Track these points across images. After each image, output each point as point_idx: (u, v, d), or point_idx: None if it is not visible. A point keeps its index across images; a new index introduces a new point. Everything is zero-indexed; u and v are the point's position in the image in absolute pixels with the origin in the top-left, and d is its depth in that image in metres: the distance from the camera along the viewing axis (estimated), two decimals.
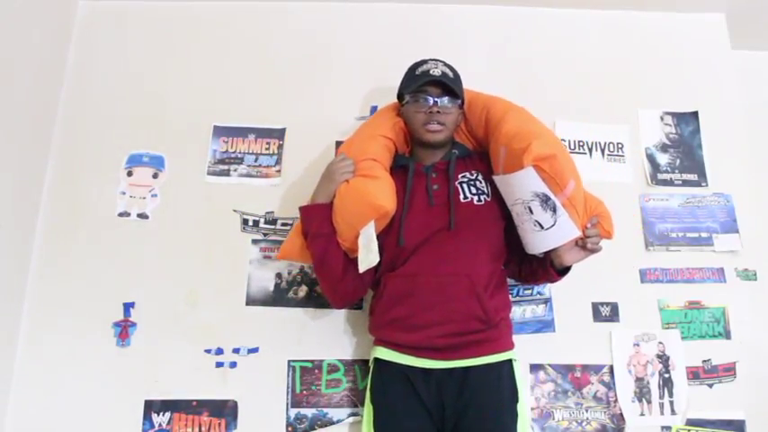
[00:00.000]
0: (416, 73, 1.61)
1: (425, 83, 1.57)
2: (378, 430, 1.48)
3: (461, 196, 1.56)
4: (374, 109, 1.95)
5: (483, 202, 1.56)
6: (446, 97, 1.58)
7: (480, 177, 1.60)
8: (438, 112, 1.56)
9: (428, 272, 1.48)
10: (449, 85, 1.56)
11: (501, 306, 1.55)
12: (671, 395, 1.77)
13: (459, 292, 1.46)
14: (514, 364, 1.52)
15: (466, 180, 1.59)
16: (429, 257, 1.49)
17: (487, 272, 1.52)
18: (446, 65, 1.63)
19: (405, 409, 1.46)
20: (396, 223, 1.53)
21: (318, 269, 1.57)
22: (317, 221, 1.52)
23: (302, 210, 1.57)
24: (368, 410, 1.52)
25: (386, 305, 1.53)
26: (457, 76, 1.63)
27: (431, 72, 1.57)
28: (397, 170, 1.62)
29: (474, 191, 1.57)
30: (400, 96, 1.67)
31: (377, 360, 1.55)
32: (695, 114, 2.06)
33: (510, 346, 1.54)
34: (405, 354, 1.49)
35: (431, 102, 1.57)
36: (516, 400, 1.48)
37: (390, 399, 1.49)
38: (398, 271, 1.52)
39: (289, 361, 1.77)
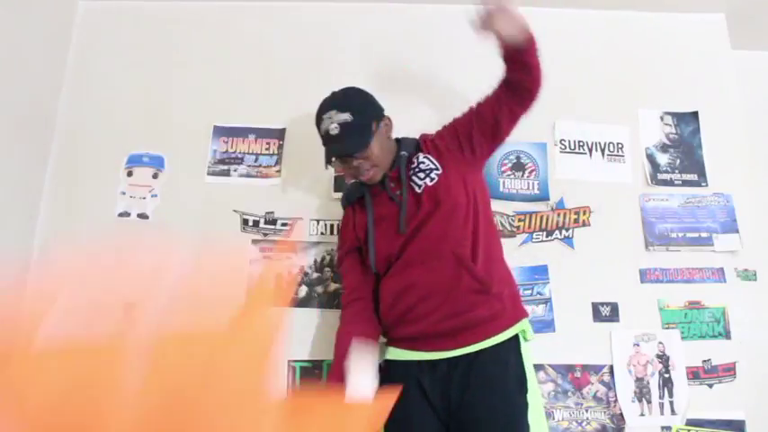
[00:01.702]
0: (321, 133, 1.55)
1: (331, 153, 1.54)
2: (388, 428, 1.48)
3: (416, 188, 1.55)
4: None
5: (436, 179, 1.55)
6: (356, 153, 1.53)
7: (422, 158, 1.59)
8: (360, 163, 1.53)
9: (417, 263, 1.49)
10: (349, 152, 1.52)
11: (499, 278, 1.52)
12: (671, 395, 1.77)
13: (449, 271, 1.46)
14: (523, 345, 1.48)
15: (413, 172, 1.58)
16: (415, 250, 1.50)
17: (471, 239, 1.50)
18: (341, 106, 1.52)
19: (411, 408, 1.45)
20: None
21: None
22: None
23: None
24: None
25: (387, 306, 1.54)
26: (357, 110, 1.52)
27: (330, 132, 1.50)
28: (360, 200, 1.63)
29: (422, 175, 1.56)
30: None
31: (386, 361, 1.55)
32: (695, 114, 2.06)
33: (518, 315, 1.51)
34: (412, 350, 1.49)
35: (347, 164, 1.55)
36: (525, 390, 1.44)
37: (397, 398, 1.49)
38: (390, 272, 1.54)
39: (289, 361, 1.77)
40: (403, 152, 1.60)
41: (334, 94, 1.59)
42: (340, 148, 1.52)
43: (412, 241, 1.51)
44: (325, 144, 1.56)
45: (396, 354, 1.53)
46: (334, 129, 1.51)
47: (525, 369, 1.47)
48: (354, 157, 1.53)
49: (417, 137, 1.67)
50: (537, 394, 1.49)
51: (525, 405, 1.43)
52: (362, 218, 1.62)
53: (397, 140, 1.67)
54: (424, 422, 1.45)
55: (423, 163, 1.58)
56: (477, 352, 1.44)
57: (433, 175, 1.56)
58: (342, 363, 1.46)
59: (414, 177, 1.57)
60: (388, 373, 1.53)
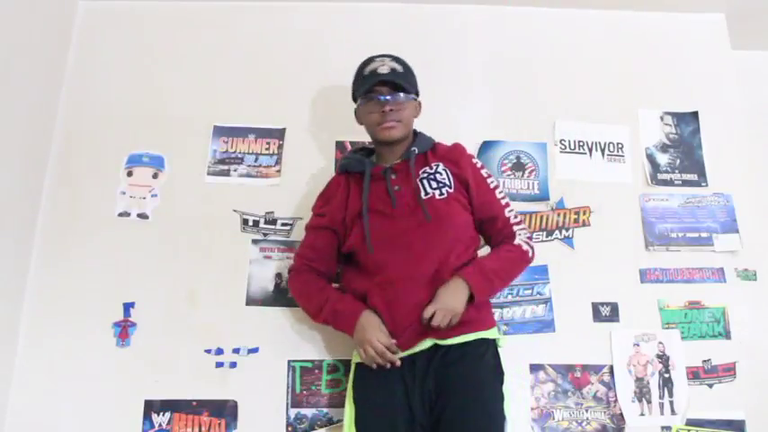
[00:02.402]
0: (365, 73, 1.59)
1: (375, 83, 1.55)
2: (360, 429, 1.47)
3: (422, 193, 1.55)
4: None
5: (445, 195, 1.55)
6: (398, 94, 1.55)
7: (440, 169, 1.58)
8: (391, 110, 1.54)
9: (403, 276, 1.48)
10: (399, 83, 1.55)
11: None
12: (671, 395, 1.77)
13: (431, 291, 1.46)
14: (499, 350, 1.52)
15: (426, 175, 1.58)
16: (401, 260, 1.49)
17: (459, 263, 1.50)
18: (395, 59, 1.60)
19: (387, 405, 1.46)
20: (361, 230, 1.54)
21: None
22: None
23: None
24: (349, 410, 1.52)
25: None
26: (408, 69, 1.61)
27: (378, 71, 1.55)
28: (356, 174, 1.62)
29: (434, 185, 1.56)
30: (354, 98, 1.66)
31: (358, 362, 1.55)
32: (695, 114, 2.06)
33: (489, 324, 1.53)
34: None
35: (382, 101, 1.55)
36: (501, 382, 1.47)
37: (372, 397, 1.49)
38: (375, 280, 1.52)
39: (289, 361, 1.77)
40: (414, 148, 1.60)
41: (382, 55, 1.62)
42: (389, 76, 1.54)
43: (395, 251, 1.50)
44: (366, 80, 1.57)
45: None
46: (384, 69, 1.55)
47: (501, 364, 1.50)
48: (388, 100, 1.54)
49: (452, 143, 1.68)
50: (512, 392, 1.51)
51: (501, 395, 1.45)
52: (356, 201, 1.58)
53: (414, 132, 1.67)
54: (400, 416, 1.44)
55: (440, 174, 1.58)
56: (451, 346, 1.46)
57: (443, 190, 1.55)
58: (337, 305, 1.55)
59: (424, 182, 1.56)
60: (361, 370, 1.53)
